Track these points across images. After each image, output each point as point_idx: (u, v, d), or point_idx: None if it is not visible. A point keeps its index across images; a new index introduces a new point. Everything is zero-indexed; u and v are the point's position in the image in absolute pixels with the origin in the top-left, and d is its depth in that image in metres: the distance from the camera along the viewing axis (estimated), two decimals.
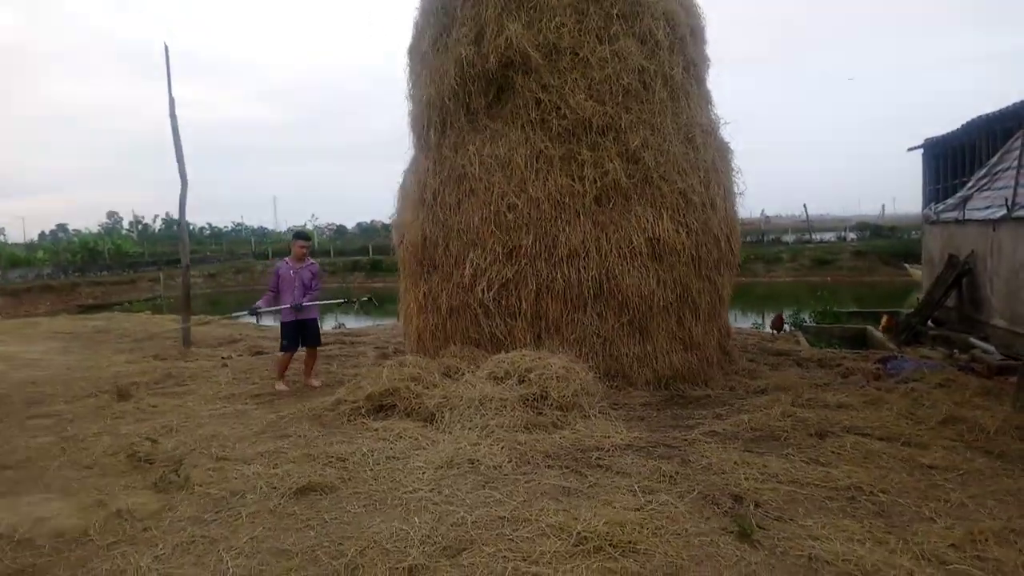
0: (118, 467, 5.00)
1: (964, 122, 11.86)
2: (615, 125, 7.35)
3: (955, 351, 9.29)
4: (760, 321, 16.01)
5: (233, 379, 8.15)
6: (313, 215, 79.05)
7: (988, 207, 10.13)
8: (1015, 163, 9.45)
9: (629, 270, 7.20)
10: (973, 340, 9.55)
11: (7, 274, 33.29)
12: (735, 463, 4.79)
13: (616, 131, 7.35)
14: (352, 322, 15.44)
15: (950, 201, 12.02)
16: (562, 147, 7.36)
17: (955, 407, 5.92)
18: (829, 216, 57.90)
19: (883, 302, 19.81)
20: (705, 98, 8.34)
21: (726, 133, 8.38)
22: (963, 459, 4.83)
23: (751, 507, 4.07)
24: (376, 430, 5.63)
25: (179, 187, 11.57)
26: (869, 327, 11.89)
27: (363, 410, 6.12)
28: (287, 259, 7.86)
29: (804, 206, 44.78)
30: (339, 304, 7.94)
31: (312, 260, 7.92)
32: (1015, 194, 9.24)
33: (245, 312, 8.43)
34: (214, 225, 69.01)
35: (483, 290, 7.38)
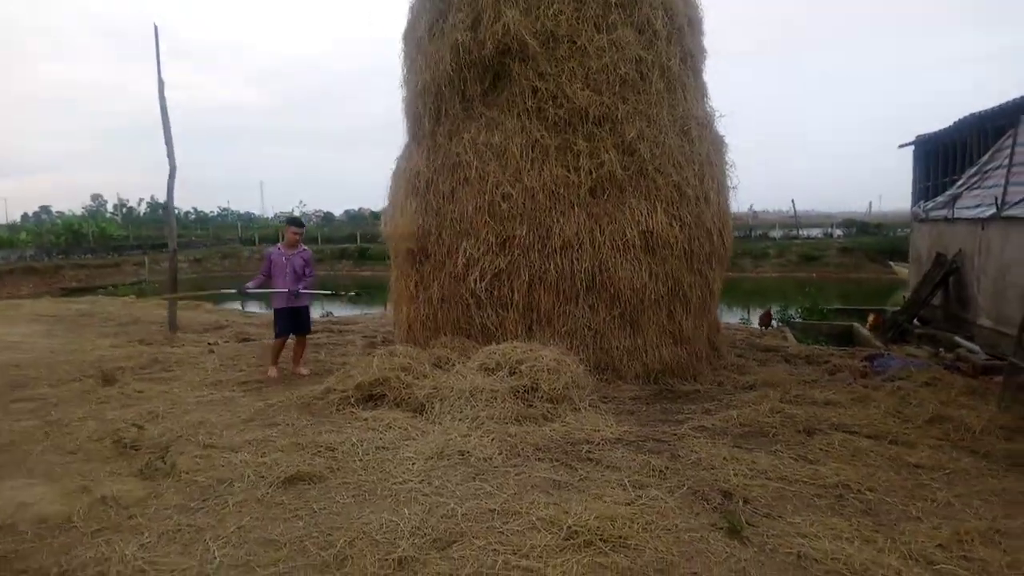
0: (103, 453, 4.94)
1: (955, 120, 11.90)
2: (611, 116, 7.31)
3: (941, 350, 9.36)
4: (747, 316, 16.09)
5: (220, 366, 8.08)
6: (301, 201, 78.60)
7: (978, 206, 10.18)
8: (1006, 162, 9.50)
9: (622, 263, 7.19)
10: (958, 339, 9.62)
11: None
12: (724, 459, 4.80)
13: (612, 122, 7.32)
14: (340, 311, 15.36)
15: (939, 199, 12.08)
16: (558, 137, 7.32)
17: (941, 406, 5.97)
18: (815, 212, 58.11)
19: (869, 299, 19.98)
20: (701, 91, 8.32)
21: (721, 126, 8.37)
22: (949, 458, 4.87)
23: (740, 503, 4.08)
24: (365, 420, 5.59)
25: (164, 170, 11.42)
26: (856, 324, 11.96)
27: (352, 399, 6.08)
28: (279, 245, 7.79)
29: (792, 202, 45.02)
30: (327, 296, 7.88)
31: (304, 247, 7.84)
32: (1005, 193, 9.29)
33: (234, 291, 8.35)
34: (200, 210, 68.53)
35: (475, 280, 7.35)
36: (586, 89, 7.31)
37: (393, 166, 8.73)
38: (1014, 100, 9.63)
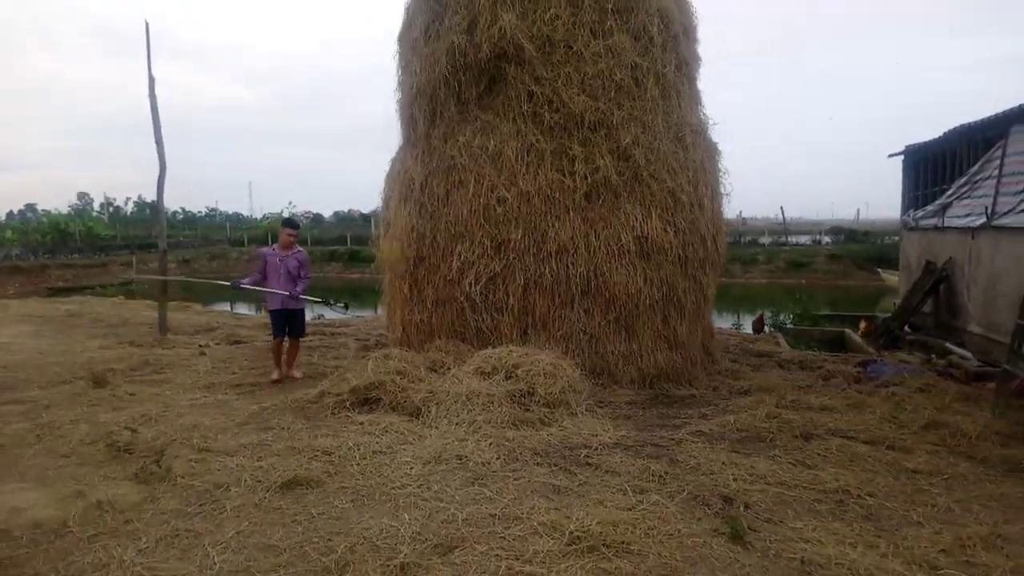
0: (96, 456, 4.87)
1: (946, 130, 11.99)
2: (607, 121, 7.32)
3: (933, 356, 9.42)
4: (739, 321, 16.13)
5: (212, 368, 8.01)
6: (290, 202, 78.22)
7: (968, 215, 10.26)
8: (995, 172, 9.58)
9: (617, 267, 7.19)
10: (950, 346, 9.69)
11: None
12: (723, 464, 4.80)
13: (608, 127, 7.33)
14: (332, 314, 15.25)
15: (929, 208, 12.16)
16: (553, 141, 7.33)
17: (936, 412, 6.00)
18: (804, 219, 58.54)
19: (857, 306, 20.06)
20: (695, 98, 8.36)
21: (715, 134, 8.41)
22: (947, 464, 4.89)
23: (741, 508, 4.07)
24: (361, 423, 5.55)
25: (151, 169, 11.29)
26: (847, 330, 12.01)
27: (348, 403, 6.04)
28: (274, 246, 7.74)
29: (781, 209, 45.29)
30: (315, 302, 7.85)
31: (299, 248, 7.79)
32: (995, 203, 9.36)
33: (227, 284, 8.26)
34: (188, 209, 68.01)
35: (470, 284, 7.33)
36: (582, 94, 7.32)
37: (387, 168, 8.71)
38: (1004, 112, 9.70)
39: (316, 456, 4.81)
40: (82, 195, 73.50)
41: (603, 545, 3.47)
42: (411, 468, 4.62)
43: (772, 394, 6.68)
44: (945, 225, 11.15)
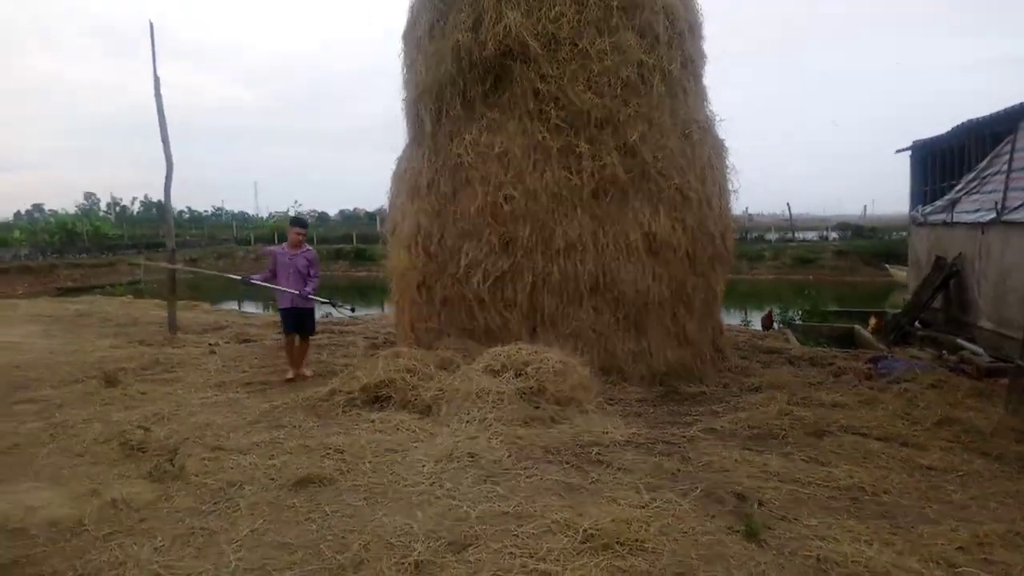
0: (110, 455, 4.89)
1: (954, 125, 11.94)
2: (613, 118, 7.30)
3: (944, 352, 9.38)
4: (746, 318, 16.10)
5: (222, 367, 8.03)
6: (296, 201, 78.17)
7: (977, 210, 10.21)
8: (1005, 167, 9.53)
9: (625, 265, 7.18)
10: (961, 341, 9.65)
11: None
12: (736, 461, 4.79)
13: (614, 124, 7.31)
14: (339, 312, 15.26)
15: (938, 203, 12.11)
16: (560, 139, 7.31)
17: (949, 408, 5.98)
18: (810, 215, 58.28)
19: (865, 302, 20.00)
20: (702, 95, 8.32)
21: (721, 130, 8.38)
22: (961, 460, 4.87)
23: (755, 506, 4.06)
24: (373, 421, 5.56)
25: (158, 168, 11.31)
26: (857, 326, 11.97)
27: (358, 401, 6.05)
28: (283, 245, 7.76)
29: (788, 205, 45.04)
30: (323, 303, 7.84)
31: (309, 247, 7.79)
32: (1005, 198, 9.32)
33: (238, 278, 8.22)
34: (194, 209, 68.08)
35: (478, 282, 7.33)
36: (588, 92, 7.30)
37: (392, 167, 8.72)
38: (1013, 106, 9.66)
39: (328, 454, 4.82)
40: (88, 195, 73.74)
41: (617, 543, 3.46)
42: (423, 466, 4.62)
43: (783, 391, 6.66)
44: (954, 220, 11.10)
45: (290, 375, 7.48)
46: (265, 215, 66.30)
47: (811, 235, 41.53)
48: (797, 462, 4.79)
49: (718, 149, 8.20)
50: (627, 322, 7.31)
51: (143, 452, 4.91)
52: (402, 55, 8.61)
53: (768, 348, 9.62)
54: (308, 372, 7.70)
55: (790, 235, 40.92)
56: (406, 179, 8.18)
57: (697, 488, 4.28)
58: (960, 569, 3.30)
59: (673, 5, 7.86)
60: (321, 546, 3.51)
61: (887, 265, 27.63)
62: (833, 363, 8.39)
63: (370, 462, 4.69)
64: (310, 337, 7.90)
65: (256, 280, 7.74)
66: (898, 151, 14.89)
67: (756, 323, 13.87)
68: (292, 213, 56.58)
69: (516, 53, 7.38)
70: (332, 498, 4.13)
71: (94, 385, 6.98)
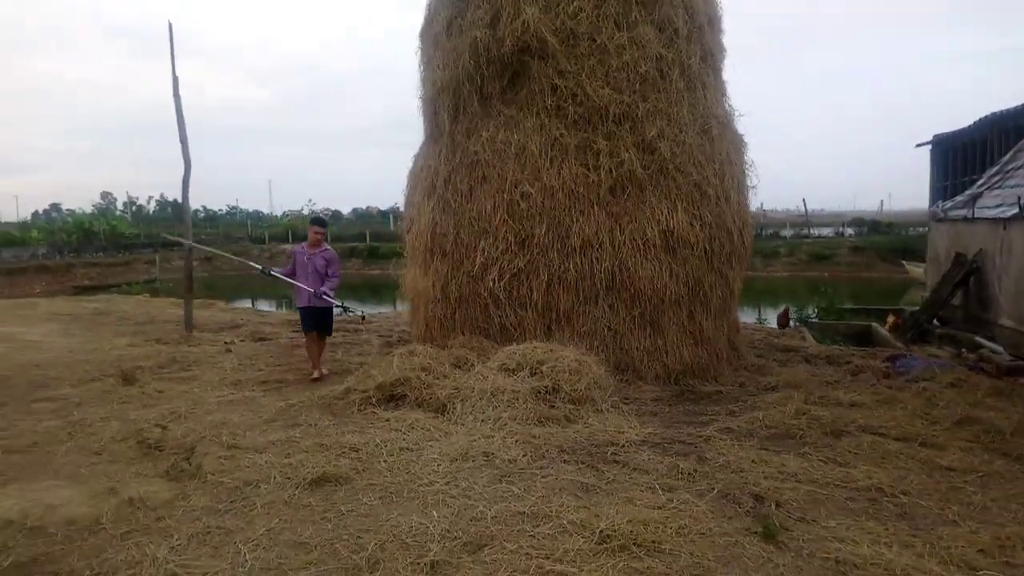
0: (128, 453, 4.93)
1: (976, 119, 11.79)
2: (631, 114, 7.25)
3: (963, 350, 9.26)
4: (761, 315, 16.00)
5: (239, 365, 8.07)
6: (310, 200, 78.48)
7: (999, 205, 10.07)
8: None
9: (642, 262, 7.13)
10: (980, 340, 9.52)
11: (1, 254, 33.04)
12: (752, 461, 4.75)
13: (632, 120, 7.26)
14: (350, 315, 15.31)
15: (959, 199, 11.96)
16: (578, 135, 7.28)
17: (969, 408, 5.89)
18: (825, 211, 57.80)
19: (882, 299, 19.83)
20: (720, 89, 8.25)
21: (740, 125, 8.30)
22: (981, 461, 4.80)
23: (773, 507, 4.02)
24: (388, 420, 5.56)
25: (174, 167, 11.43)
26: (874, 324, 11.85)
27: (373, 399, 6.05)
28: (303, 244, 7.76)
29: (803, 201, 44.70)
30: (335, 305, 7.76)
31: (327, 247, 7.76)
32: None
33: (259, 268, 8.16)
34: (209, 208, 68.51)
35: (494, 280, 7.31)
36: (606, 87, 7.25)
37: (406, 165, 8.72)
38: None
39: (344, 453, 4.82)
40: (105, 194, 74.42)
41: (634, 544, 3.44)
42: (438, 465, 4.61)
43: (800, 390, 6.59)
44: (975, 216, 10.96)
45: (315, 375, 7.42)
46: (279, 214, 66.54)
47: (827, 231, 41.17)
48: (815, 462, 4.74)
49: (736, 144, 8.12)
50: (643, 320, 7.26)
51: (160, 451, 4.94)
52: (419, 53, 8.60)
53: (784, 346, 9.54)
54: (324, 370, 7.71)
55: (806, 231, 40.57)
56: (422, 177, 8.17)
57: (714, 489, 4.25)
58: (981, 572, 3.25)
59: None
60: (337, 545, 3.51)
61: (904, 261, 27.36)
62: (850, 362, 8.30)
63: (385, 461, 4.69)
64: (327, 336, 7.91)
65: (276, 272, 7.73)
66: (918, 145, 14.74)
67: (771, 321, 13.77)
68: (307, 212, 56.91)
69: (534, 49, 7.34)
70: (348, 497, 4.13)
71: (112, 383, 7.03)
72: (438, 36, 8.03)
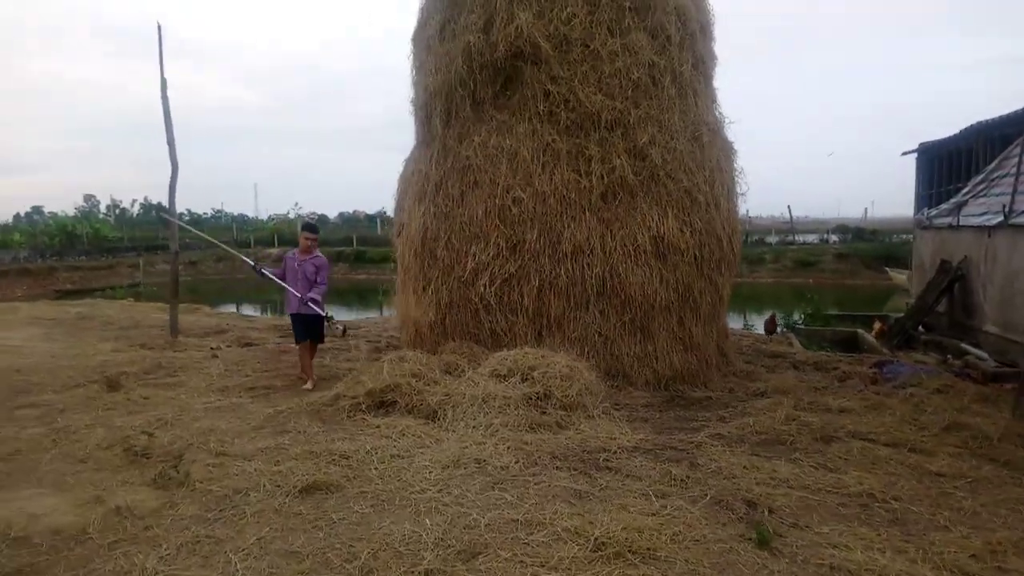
0: (114, 461, 4.85)
1: (962, 128, 11.92)
2: (624, 120, 7.27)
3: (948, 357, 9.34)
4: (748, 321, 16.07)
5: (225, 371, 7.97)
6: (296, 203, 77.97)
7: (984, 213, 10.18)
8: (1014, 170, 9.50)
9: (633, 268, 7.14)
10: (965, 346, 9.61)
11: None
12: (744, 467, 4.76)
13: (624, 127, 7.28)
14: (341, 315, 15.24)
15: (944, 206, 12.08)
16: (570, 141, 7.28)
17: (956, 413, 5.95)
18: (810, 218, 58.25)
19: (866, 305, 19.95)
20: (711, 96, 8.29)
21: (730, 133, 8.34)
22: (970, 467, 4.84)
23: (766, 513, 4.03)
24: (378, 427, 5.52)
25: (159, 170, 11.38)
26: (860, 331, 11.92)
27: (363, 406, 6.00)
28: (295, 250, 7.67)
29: (788, 207, 44.97)
30: (319, 314, 7.57)
31: (319, 253, 7.64)
32: (1013, 201, 9.29)
33: (252, 263, 7.96)
34: (193, 211, 67.91)
35: (484, 285, 7.29)
36: (598, 93, 7.26)
37: (394, 169, 8.70)
38: (1022, 109, 9.63)
39: (334, 460, 4.77)
40: (88, 197, 73.50)
41: (629, 551, 3.43)
42: (430, 472, 4.58)
43: (789, 396, 6.63)
44: (960, 223, 11.07)
45: (309, 385, 7.24)
46: (265, 217, 66.14)
47: (811, 238, 41.48)
48: (806, 468, 4.76)
49: (726, 151, 8.16)
50: (633, 326, 7.26)
51: (147, 458, 4.87)
52: (411, 57, 8.56)
53: (772, 352, 9.58)
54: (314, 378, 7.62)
55: (791, 238, 40.84)
56: (414, 181, 8.14)
57: (707, 495, 4.25)
58: None
59: (685, 6, 7.82)
60: (329, 554, 3.47)
61: (887, 268, 27.60)
62: (838, 367, 8.35)
63: (376, 468, 4.66)
64: (318, 344, 7.81)
65: (268, 272, 7.62)
66: (904, 153, 14.88)
67: (758, 327, 13.82)
68: (292, 215, 56.63)
69: (527, 54, 7.34)
70: (339, 505, 4.09)
71: (96, 389, 6.92)
72: (431, 40, 8.01)
